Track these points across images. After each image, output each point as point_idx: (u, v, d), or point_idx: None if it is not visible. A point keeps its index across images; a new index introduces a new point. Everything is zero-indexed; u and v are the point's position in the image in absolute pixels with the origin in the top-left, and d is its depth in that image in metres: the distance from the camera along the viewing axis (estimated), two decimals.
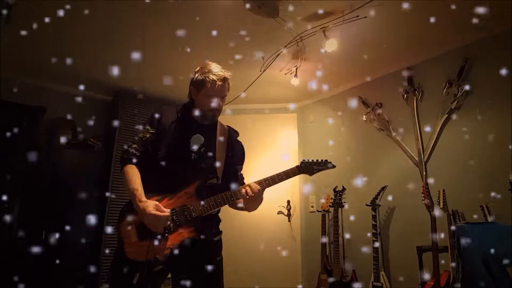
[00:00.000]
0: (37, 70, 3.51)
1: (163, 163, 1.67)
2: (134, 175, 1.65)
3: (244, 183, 1.86)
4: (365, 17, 2.56)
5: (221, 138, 1.83)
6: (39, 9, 2.53)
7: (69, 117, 3.73)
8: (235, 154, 1.87)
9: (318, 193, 3.85)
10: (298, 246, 3.96)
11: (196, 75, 1.78)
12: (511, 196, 2.31)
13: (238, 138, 1.93)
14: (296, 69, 3.25)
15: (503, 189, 2.40)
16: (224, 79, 1.74)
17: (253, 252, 3.91)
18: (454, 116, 2.94)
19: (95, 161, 3.70)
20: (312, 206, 3.94)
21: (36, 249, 3.09)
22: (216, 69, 1.75)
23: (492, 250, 2.03)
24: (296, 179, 4.13)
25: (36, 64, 3.38)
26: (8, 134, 3.00)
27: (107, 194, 3.59)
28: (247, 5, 2.44)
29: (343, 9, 2.54)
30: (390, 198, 3.20)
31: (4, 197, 2.88)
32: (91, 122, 3.93)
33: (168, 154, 1.69)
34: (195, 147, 1.74)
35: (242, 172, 1.91)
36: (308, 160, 1.83)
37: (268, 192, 4.16)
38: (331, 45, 2.76)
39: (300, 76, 3.31)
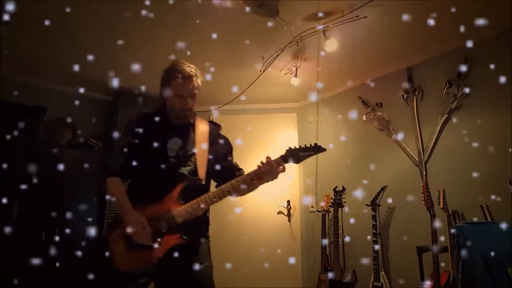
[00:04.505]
0: (37, 70, 3.51)
1: (143, 172, 1.65)
2: (118, 187, 1.65)
3: (241, 170, 1.81)
4: (365, 17, 2.56)
5: (201, 137, 1.77)
6: (39, 10, 2.53)
7: (69, 117, 3.73)
8: (220, 149, 1.82)
9: (318, 193, 3.86)
10: (298, 246, 3.96)
11: (164, 74, 1.74)
12: (511, 196, 2.31)
13: (221, 132, 1.88)
14: (296, 69, 3.25)
15: (503, 189, 2.40)
16: (190, 77, 1.68)
17: (253, 252, 3.91)
18: (454, 116, 2.94)
19: (95, 161, 3.70)
20: (312, 206, 3.94)
21: (35, 250, 3.09)
22: (182, 67, 1.69)
23: (492, 250, 2.03)
24: (296, 179, 4.13)
25: (36, 64, 3.38)
26: (8, 134, 3.00)
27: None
28: (247, 8, 2.44)
29: (343, 9, 2.54)
30: (390, 200, 3.21)
31: (4, 199, 2.88)
32: (91, 122, 3.93)
33: (147, 162, 1.66)
34: (172, 151, 1.70)
35: (235, 162, 1.86)
36: (294, 147, 1.71)
37: (268, 192, 4.16)
38: (331, 45, 2.76)
39: (300, 76, 3.31)
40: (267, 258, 3.88)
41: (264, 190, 4.27)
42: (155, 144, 1.68)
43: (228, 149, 1.86)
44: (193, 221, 1.62)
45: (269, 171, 1.63)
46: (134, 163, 1.66)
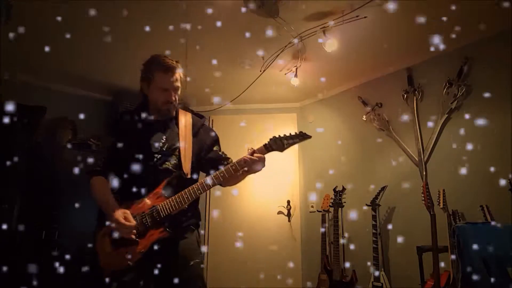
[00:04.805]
0: (37, 70, 3.50)
1: (127, 169, 1.64)
2: (101, 185, 1.67)
3: (229, 159, 1.80)
4: (365, 17, 2.56)
5: (184, 130, 1.76)
6: (39, 9, 2.53)
7: (69, 117, 3.73)
8: (205, 139, 1.81)
9: (318, 193, 3.86)
10: (298, 246, 3.96)
11: (144, 67, 1.73)
12: (511, 196, 2.31)
13: (205, 123, 1.88)
14: (296, 69, 3.26)
15: (503, 189, 2.40)
16: (172, 69, 1.68)
17: (253, 252, 3.91)
18: (454, 116, 2.94)
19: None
20: (312, 206, 3.94)
21: (35, 250, 3.09)
22: (164, 60, 1.69)
23: (492, 250, 2.03)
24: (296, 180, 4.13)
25: (36, 64, 3.38)
26: (7, 134, 3.00)
27: None
28: (250, 6, 2.44)
29: (343, 9, 2.54)
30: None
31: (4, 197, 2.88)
32: (91, 122, 3.93)
33: (131, 159, 1.65)
34: (156, 148, 1.69)
35: (222, 152, 1.84)
36: (278, 135, 1.65)
37: (268, 192, 4.16)
38: (331, 45, 2.76)
39: (300, 76, 3.32)
40: (267, 258, 3.88)
41: (264, 190, 4.29)
42: (138, 141, 1.68)
43: (213, 139, 1.84)
44: (179, 215, 1.62)
45: (251, 162, 1.62)
46: (118, 161, 1.66)
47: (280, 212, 4.00)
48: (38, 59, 3.29)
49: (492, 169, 2.62)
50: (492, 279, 1.98)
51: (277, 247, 3.92)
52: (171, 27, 2.75)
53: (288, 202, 4.01)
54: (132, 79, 3.70)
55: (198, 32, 2.83)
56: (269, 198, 4.04)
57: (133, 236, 1.54)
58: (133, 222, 1.55)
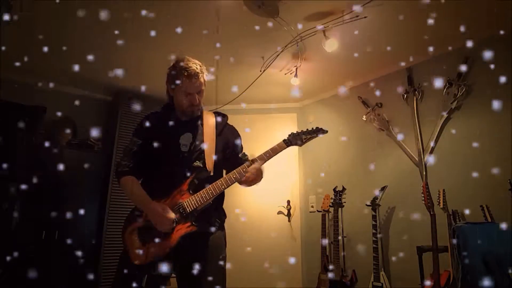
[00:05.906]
0: (37, 70, 3.50)
1: (158, 169, 1.70)
2: (133, 184, 1.70)
3: (249, 160, 1.83)
4: (365, 17, 2.56)
5: (209, 129, 1.81)
6: (40, 9, 2.53)
7: (69, 117, 3.73)
8: (229, 138, 1.86)
9: (318, 193, 3.86)
10: (298, 246, 3.96)
11: (170, 71, 1.77)
12: (511, 196, 2.31)
13: (228, 121, 1.92)
14: (296, 69, 3.25)
15: (503, 189, 2.40)
16: (196, 74, 1.71)
17: (253, 252, 3.91)
18: (454, 116, 2.94)
19: (95, 161, 3.70)
20: (312, 206, 3.94)
21: (35, 250, 3.09)
22: (188, 64, 1.71)
23: (492, 250, 2.03)
24: (297, 179, 4.13)
25: (36, 64, 3.38)
26: (8, 134, 3.00)
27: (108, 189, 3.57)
28: (250, 6, 2.44)
29: (343, 9, 2.54)
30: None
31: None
32: (91, 122, 3.93)
33: (160, 159, 1.70)
34: (185, 146, 1.73)
35: (243, 151, 1.90)
36: (296, 131, 1.76)
37: (268, 192, 4.16)
38: (331, 45, 2.76)
39: (300, 76, 3.32)
40: (267, 258, 3.88)
41: (264, 190, 4.27)
42: (168, 142, 1.73)
43: (237, 137, 1.90)
44: (207, 210, 1.67)
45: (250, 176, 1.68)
46: (148, 161, 1.72)
47: (280, 212, 4.00)
48: (38, 59, 3.29)
49: (492, 169, 2.62)
50: (492, 279, 1.99)
51: (277, 247, 3.92)
52: (170, 27, 2.76)
53: (288, 202, 4.01)
54: (132, 79, 3.72)
55: (197, 32, 2.83)
56: (269, 198, 4.04)
57: (170, 228, 1.59)
58: (172, 215, 1.59)
